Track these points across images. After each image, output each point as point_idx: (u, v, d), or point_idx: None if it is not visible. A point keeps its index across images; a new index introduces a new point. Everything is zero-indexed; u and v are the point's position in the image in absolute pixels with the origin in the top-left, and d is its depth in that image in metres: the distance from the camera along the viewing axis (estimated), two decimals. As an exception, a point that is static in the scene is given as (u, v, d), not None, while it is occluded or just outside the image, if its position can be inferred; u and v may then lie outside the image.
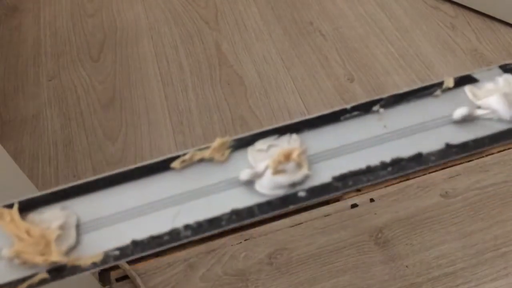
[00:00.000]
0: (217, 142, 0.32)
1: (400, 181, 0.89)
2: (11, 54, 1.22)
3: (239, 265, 0.81)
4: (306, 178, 0.31)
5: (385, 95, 0.34)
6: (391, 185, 0.89)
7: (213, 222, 0.30)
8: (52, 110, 1.08)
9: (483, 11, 1.15)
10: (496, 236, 0.81)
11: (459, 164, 0.91)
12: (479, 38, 1.12)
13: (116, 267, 0.82)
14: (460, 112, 0.33)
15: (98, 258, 0.28)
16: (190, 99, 1.07)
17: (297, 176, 0.31)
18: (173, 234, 0.29)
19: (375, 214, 0.85)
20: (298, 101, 1.04)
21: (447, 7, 1.19)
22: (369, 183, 0.31)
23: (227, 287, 0.79)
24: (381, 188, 0.89)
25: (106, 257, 0.28)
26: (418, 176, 0.90)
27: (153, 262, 0.82)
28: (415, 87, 0.37)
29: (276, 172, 0.30)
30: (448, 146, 0.32)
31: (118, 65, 1.16)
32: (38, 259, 0.26)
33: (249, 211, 0.30)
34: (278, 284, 0.79)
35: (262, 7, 1.25)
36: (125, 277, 0.81)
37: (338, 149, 0.32)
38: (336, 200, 0.88)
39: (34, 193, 0.30)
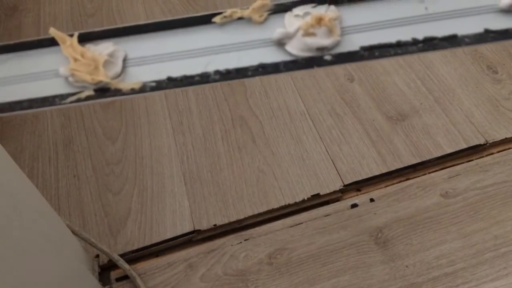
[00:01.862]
0: (257, 2, 0.34)
1: (400, 181, 0.89)
2: (11, 54, 1.22)
3: (239, 265, 0.81)
4: (335, 45, 0.32)
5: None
6: (391, 185, 0.89)
7: (240, 71, 0.33)
8: (52, 110, 1.08)
9: (483, 11, 1.15)
10: (496, 236, 0.81)
11: (459, 164, 0.91)
12: (479, 38, 1.12)
13: (116, 267, 0.82)
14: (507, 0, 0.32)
15: (137, 86, 0.32)
16: (190, 99, 1.07)
17: (327, 41, 0.32)
18: (204, 76, 0.33)
19: (375, 214, 0.85)
20: (298, 101, 1.04)
21: (447, 7, 1.19)
22: (396, 56, 0.32)
23: (227, 287, 0.79)
24: (381, 188, 0.89)
25: (144, 86, 0.33)
26: (418, 176, 0.90)
27: (153, 262, 0.82)
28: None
29: (307, 34, 0.32)
30: (487, 32, 0.32)
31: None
32: (88, 77, 0.32)
33: (275, 66, 0.32)
34: (278, 284, 0.79)
35: (262, 7, 1.25)
36: (125, 277, 0.81)
37: (373, 24, 0.33)
38: (336, 200, 0.88)
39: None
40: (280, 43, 0.33)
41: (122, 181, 0.93)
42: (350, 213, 0.86)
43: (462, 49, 1.11)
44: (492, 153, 0.92)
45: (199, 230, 0.86)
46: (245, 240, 0.84)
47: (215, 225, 0.86)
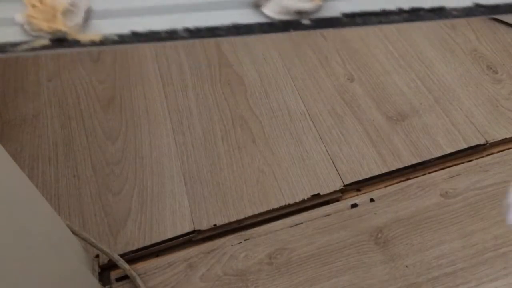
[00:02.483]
0: None
1: (400, 181, 0.89)
2: (11, 54, 1.22)
3: (239, 265, 0.81)
4: (316, 9, 0.31)
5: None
6: (391, 185, 0.89)
7: (211, 30, 0.31)
8: (52, 110, 1.08)
9: (483, 11, 1.15)
10: (496, 236, 0.81)
11: (459, 164, 0.91)
12: (479, 38, 1.12)
13: (116, 267, 0.82)
14: None
15: (97, 38, 0.30)
16: (190, 99, 1.07)
17: (307, 4, 0.30)
18: (171, 32, 0.30)
19: (375, 214, 0.85)
20: (298, 101, 1.04)
21: (447, 7, 1.19)
22: (379, 25, 0.31)
23: (227, 287, 0.79)
24: (381, 188, 0.89)
25: (105, 39, 0.30)
26: (418, 176, 0.90)
27: (153, 262, 0.82)
28: None
29: None
30: (477, 6, 0.31)
31: (118, 65, 1.16)
32: (44, 25, 0.29)
33: (249, 27, 0.31)
34: (278, 284, 0.79)
35: (262, 7, 1.25)
36: (125, 277, 0.81)
37: None
38: (336, 200, 0.88)
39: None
40: (257, 5, 0.31)
41: (122, 181, 0.93)
42: (350, 213, 0.86)
43: (462, 49, 1.11)
44: (492, 153, 0.92)
45: (199, 230, 0.86)
46: (245, 240, 0.84)
47: (215, 225, 0.86)
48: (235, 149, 0.97)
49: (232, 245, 0.83)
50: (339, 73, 1.09)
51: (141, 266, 0.82)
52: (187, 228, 0.86)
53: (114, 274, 0.81)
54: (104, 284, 0.80)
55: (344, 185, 0.89)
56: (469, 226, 0.82)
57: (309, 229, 0.84)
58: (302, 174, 0.92)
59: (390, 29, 1.15)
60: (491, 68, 1.06)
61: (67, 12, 0.30)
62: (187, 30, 0.31)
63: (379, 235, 0.83)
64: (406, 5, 0.31)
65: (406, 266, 0.79)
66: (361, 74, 1.08)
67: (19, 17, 0.30)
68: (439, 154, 0.92)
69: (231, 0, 0.32)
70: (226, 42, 1.18)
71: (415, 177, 0.90)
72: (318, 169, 0.92)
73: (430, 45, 1.12)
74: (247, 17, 0.31)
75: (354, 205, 0.87)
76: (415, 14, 0.31)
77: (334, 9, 0.31)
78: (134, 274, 0.79)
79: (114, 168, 0.96)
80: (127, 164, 0.96)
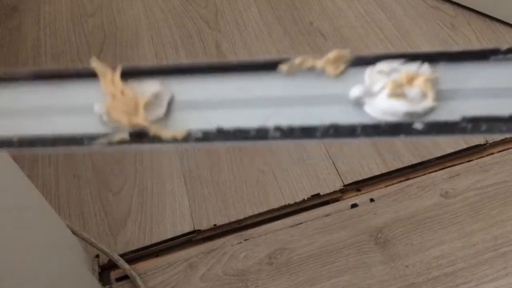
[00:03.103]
0: (333, 53, 0.28)
1: (400, 181, 0.89)
2: (11, 54, 1.22)
3: (239, 265, 0.81)
4: (429, 111, 0.26)
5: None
6: (391, 185, 0.89)
7: (307, 130, 0.27)
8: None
9: (483, 11, 1.15)
10: (496, 236, 0.81)
11: (459, 164, 0.91)
12: (479, 38, 1.12)
13: (116, 267, 0.82)
14: None
15: (180, 134, 0.27)
16: (190, 99, 1.07)
17: (419, 106, 0.26)
18: (261, 132, 0.27)
19: (375, 214, 0.85)
20: (298, 101, 1.04)
21: (447, 7, 1.19)
22: (509, 133, 0.26)
23: (227, 287, 0.79)
24: (381, 188, 0.89)
25: (189, 135, 0.27)
26: (418, 176, 0.90)
27: (153, 262, 0.82)
28: None
29: (394, 94, 0.26)
30: None
31: (118, 64, 1.16)
32: (124, 118, 0.27)
33: (350, 129, 0.26)
34: (278, 284, 0.79)
35: (262, 7, 1.25)
36: (125, 277, 0.81)
37: (477, 90, 0.27)
38: (336, 200, 0.88)
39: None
40: (359, 103, 0.27)
41: (122, 181, 0.93)
42: (350, 213, 0.86)
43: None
44: (492, 153, 0.92)
45: (199, 230, 0.86)
46: (245, 240, 0.84)
47: (215, 225, 0.86)
48: (235, 149, 0.97)
49: (232, 245, 0.83)
50: (339, 73, 1.09)
51: (141, 266, 0.82)
52: (187, 228, 0.86)
53: (114, 274, 0.81)
54: (104, 284, 0.80)
55: (344, 185, 0.89)
56: (469, 226, 0.82)
57: (309, 229, 0.84)
58: (302, 174, 0.92)
59: (390, 29, 1.16)
60: (491, 68, 1.06)
61: (149, 104, 0.28)
62: (279, 129, 0.27)
63: (379, 235, 0.83)
64: None
65: (406, 266, 0.79)
66: (361, 74, 1.08)
67: (98, 107, 0.28)
68: (439, 154, 0.92)
69: (330, 95, 0.28)
70: (226, 42, 1.18)
71: (415, 177, 0.90)
72: (318, 169, 0.92)
73: (430, 45, 1.12)
74: (348, 116, 0.27)
75: (354, 205, 0.87)
76: None
77: (452, 111, 0.26)
78: (134, 274, 0.79)
79: (114, 168, 0.96)
80: (127, 164, 0.96)
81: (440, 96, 0.27)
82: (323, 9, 1.22)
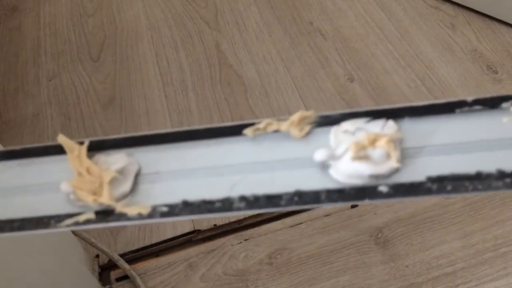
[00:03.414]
0: (297, 115, 0.28)
1: (400, 181, 0.89)
2: (11, 54, 1.22)
3: (239, 265, 0.81)
4: (393, 172, 0.26)
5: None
6: (391, 185, 0.89)
7: (271, 199, 0.27)
8: (52, 110, 1.08)
9: (483, 11, 1.15)
10: (496, 236, 0.81)
11: (459, 164, 0.91)
12: (479, 38, 1.12)
13: (116, 267, 0.82)
14: None
15: (145, 210, 0.27)
16: (190, 99, 1.07)
17: (383, 167, 0.26)
18: (226, 203, 0.27)
19: (375, 214, 0.85)
20: (298, 101, 1.04)
21: (447, 7, 1.19)
22: (476, 192, 0.25)
23: (227, 287, 0.79)
24: (381, 188, 0.89)
25: (154, 211, 0.27)
26: (418, 176, 0.90)
27: (153, 262, 0.82)
28: None
29: (357, 157, 0.26)
30: None
31: (118, 65, 1.16)
32: (89, 198, 0.27)
33: (315, 196, 0.26)
34: (278, 284, 0.79)
35: (262, 7, 1.25)
36: (125, 277, 0.81)
37: (443, 146, 0.27)
38: (336, 200, 0.88)
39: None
40: (324, 165, 0.27)
41: (122, 181, 0.93)
42: (350, 213, 0.86)
43: (462, 49, 1.11)
44: (492, 153, 0.92)
45: (199, 230, 0.86)
46: (245, 240, 0.84)
47: (215, 225, 0.86)
48: (235, 149, 0.96)
49: (232, 245, 0.83)
50: (339, 73, 1.09)
51: (141, 266, 0.82)
52: (187, 228, 0.86)
53: (114, 274, 0.81)
54: (104, 284, 0.80)
55: (344, 185, 0.89)
56: (469, 226, 0.82)
57: (309, 229, 0.84)
58: (302, 174, 0.91)
59: (390, 29, 1.16)
60: (491, 68, 1.06)
61: (115, 181, 0.28)
62: (244, 199, 0.27)
63: (379, 235, 0.83)
64: (509, 167, 0.25)
65: (406, 266, 0.79)
66: (361, 74, 1.08)
67: (65, 186, 0.28)
68: (439, 154, 0.92)
69: (295, 159, 0.28)
70: (226, 42, 1.18)
71: (415, 177, 0.90)
72: (318, 169, 0.92)
73: (430, 45, 1.12)
74: (313, 180, 0.27)
75: (354, 205, 0.87)
76: None
77: (417, 170, 0.26)
78: (134, 274, 0.79)
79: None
80: (127, 164, 0.96)
81: (405, 154, 0.26)
82: (323, 9, 1.22)
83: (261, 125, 0.29)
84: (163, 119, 1.04)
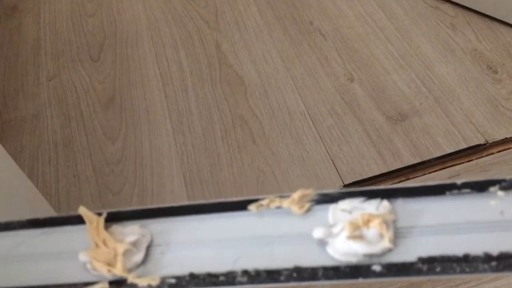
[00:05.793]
0: (298, 193, 0.30)
1: (400, 181, 0.89)
2: (11, 54, 1.22)
3: (239, 265, 0.81)
4: (386, 251, 0.27)
5: (508, 176, 0.29)
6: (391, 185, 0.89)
7: (271, 274, 0.29)
8: (52, 110, 1.08)
9: (483, 11, 1.15)
10: (496, 236, 0.81)
11: (459, 164, 0.91)
12: (479, 38, 1.12)
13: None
14: None
15: (155, 282, 0.29)
16: (190, 99, 1.07)
17: (376, 247, 0.27)
18: (229, 276, 0.29)
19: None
20: (298, 101, 1.04)
21: (447, 7, 1.19)
22: (463, 275, 0.26)
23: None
24: (381, 188, 0.89)
25: (162, 283, 0.29)
26: (418, 176, 0.90)
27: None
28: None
29: (352, 236, 0.27)
30: None
31: (118, 65, 1.16)
32: (104, 269, 0.30)
33: (312, 273, 0.28)
34: (278, 284, 0.78)
35: (262, 7, 1.25)
36: (125, 277, 0.81)
37: (434, 227, 0.28)
38: (336, 200, 0.88)
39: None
40: (322, 242, 0.28)
41: (122, 181, 0.93)
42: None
43: (462, 49, 1.11)
44: (492, 153, 0.92)
45: None
46: (245, 240, 0.84)
47: None
48: (235, 149, 0.97)
49: None
50: (339, 73, 1.09)
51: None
52: None
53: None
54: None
55: (344, 185, 0.89)
56: (469, 226, 0.82)
57: None
58: (302, 174, 0.92)
59: (390, 29, 1.16)
60: (491, 68, 1.06)
61: (128, 252, 0.30)
62: (246, 273, 0.29)
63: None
64: (495, 250, 0.26)
65: (406, 266, 0.79)
66: (361, 74, 1.08)
67: (83, 256, 0.30)
68: (439, 154, 0.92)
69: (295, 234, 0.29)
70: (226, 42, 1.18)
71: (415, 177, 0.90)
72: (318, 169, 0.92)
73: (430, 45, 1.12)
74: (311, 257, 0.28)
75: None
76: (505, 262, 0.26)
77: (409, 251, 0.27)
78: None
79: (114, 168, 0.96)
80: (127, 164, 0.96)
81: (397, 234, 0.28)
82: (323, 9, 1.22)
83: (264, 202, 0.31)
84: (163, 119, 1.04)
